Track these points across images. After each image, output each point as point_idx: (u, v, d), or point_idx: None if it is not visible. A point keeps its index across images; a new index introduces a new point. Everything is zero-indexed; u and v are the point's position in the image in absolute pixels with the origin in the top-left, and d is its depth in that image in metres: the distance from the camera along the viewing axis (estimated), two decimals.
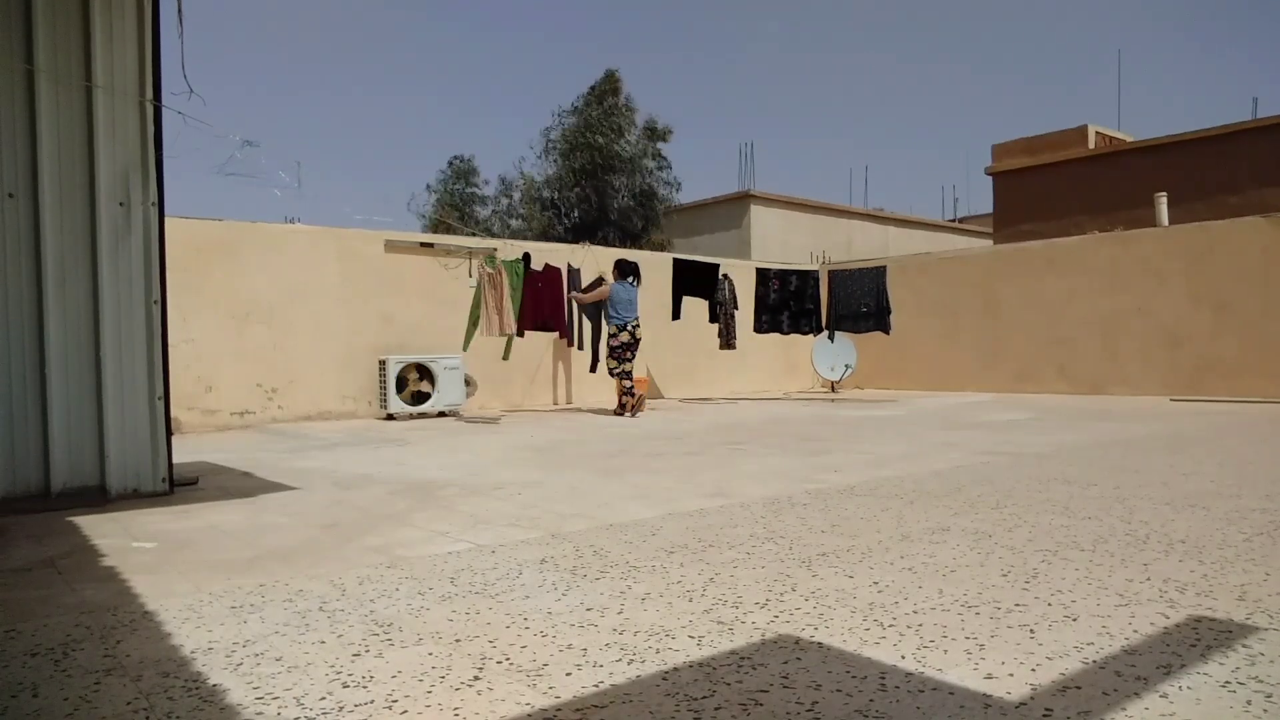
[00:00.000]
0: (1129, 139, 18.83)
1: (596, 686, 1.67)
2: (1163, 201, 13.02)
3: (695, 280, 10.70)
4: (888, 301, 10.65)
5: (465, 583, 2.45)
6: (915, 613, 2.09)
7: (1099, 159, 18.19)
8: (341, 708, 1.59)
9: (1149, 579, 2.35)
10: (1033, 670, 1.71)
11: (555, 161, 20.62)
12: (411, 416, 8.85)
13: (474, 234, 14.74)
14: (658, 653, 1.85)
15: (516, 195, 21.46)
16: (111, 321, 3.96)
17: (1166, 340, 10.32)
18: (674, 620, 2.08)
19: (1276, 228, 9.57)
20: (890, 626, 1.99)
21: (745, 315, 11.64)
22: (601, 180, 19.77)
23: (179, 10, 4.03)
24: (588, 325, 10.29)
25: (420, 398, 8.98)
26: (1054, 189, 18.48)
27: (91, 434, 3.94)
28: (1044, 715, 1.50)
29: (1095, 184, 17.89)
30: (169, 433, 4.13)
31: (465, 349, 8.85)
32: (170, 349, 4.29)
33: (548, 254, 10.35)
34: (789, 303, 11.02)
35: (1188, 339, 10.15)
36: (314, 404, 8.66)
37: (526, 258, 9.38)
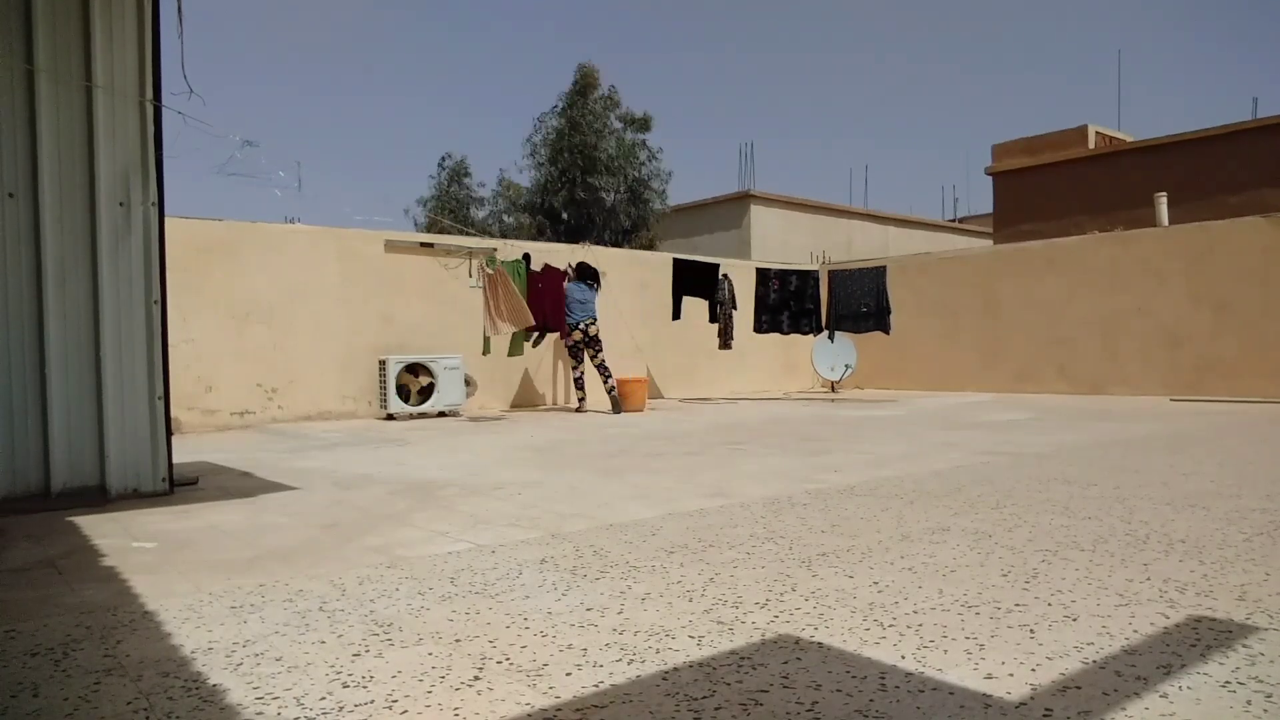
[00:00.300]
0: (1129, 139, 18.84)
1: (596, 686, 1.67)
2: (1163, 201, 13.02)
3: (695, 280, 10.71)
4: (888, 301, 10.65)
5: (465, 583, 2.45)
6: (915, 613, 2.09)
7: (1099, 159, 18.20)
8: (341, 708, 1.59)
9: (1149, 579, 2.35)
10: (1033, 670, 1.71)
11: (540, 167, 20.61)
12: (411, 416, 8.85)
13: (473, 234, 14.73)
14: (658, 653, 1.85)
15: (503, 204, 21.51)
16: (111, 321, 3.96)
17: (1166, 340, 10.32)
18: (674, 620, 2.08)
19: (1276, 228, 9.57)
20: (890, 626, 1.99)
21: (745, 315, 11.65)
22: (588, 181, 19.74)
23: (179, 10, 4.03)
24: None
25: (420, 398, 8.98)
26: (1054, 189, 18.48)
27: (91, 434, 3.94)
28: (1044, 715, 1.50)
29: (1095, 184, 17.89)
30: (169, 433, 4.13)
31: (486, 353, 8.91)
32: (170, 349, 4.29)
33: (547, 254, 10.35)
34: (789, 303, 11.02)
35: (1188, 339, 10.15)
36: (314, 404, 8.66)
37: (526, 258, 9.39)
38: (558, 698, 1.62)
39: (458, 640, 1.96)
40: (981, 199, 44.81)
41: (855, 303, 10.76)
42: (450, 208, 20.94)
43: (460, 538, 3.06)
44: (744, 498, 3.77)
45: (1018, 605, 2.14)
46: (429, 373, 9.01)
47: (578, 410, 9.46)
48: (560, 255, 10.49)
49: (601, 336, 9.37)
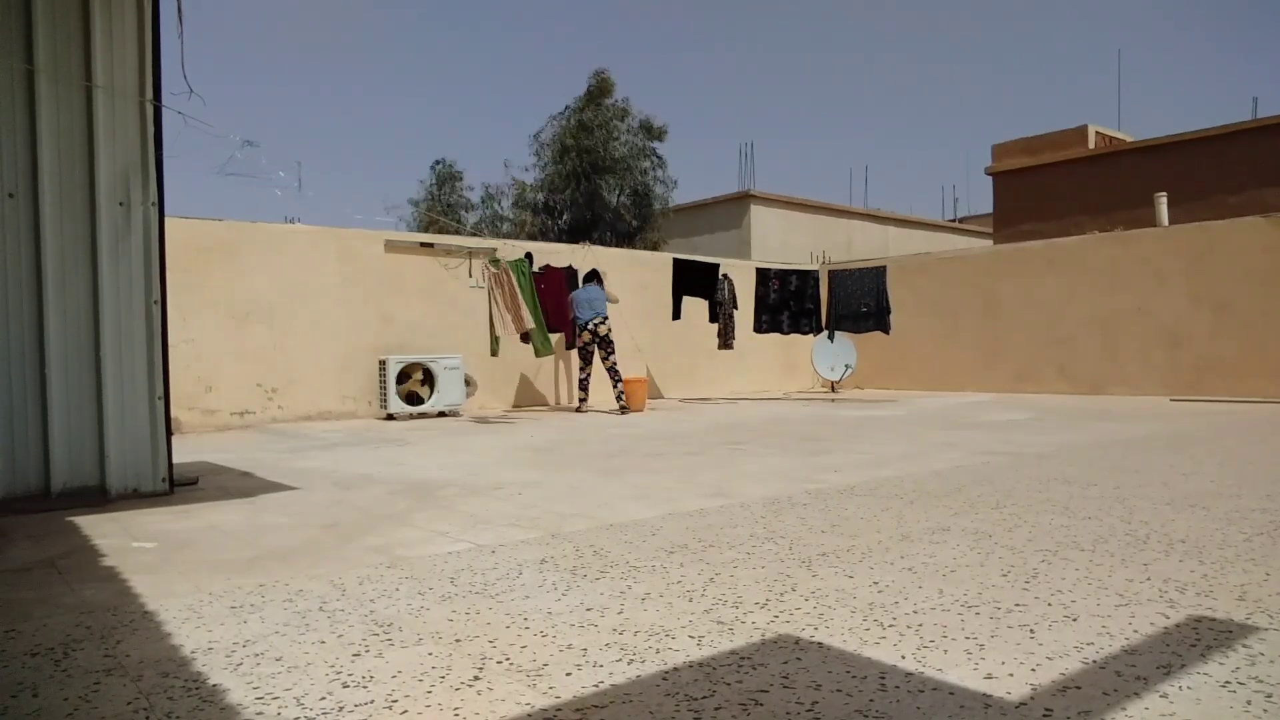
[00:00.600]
0: (1129, 139, 18.84)
1: (596, 686, 1.67)
2: (1163, 201, 13.02)
3: (695, 280, 10.71)
4: (888, 301, 10.65)
5: (465, 583, 2.45)
6: (915, 613, 2.09)
7: (1099, 159, 18.19)
8: (341, 708, 1.59)
9: (1149, 579, 2.35)
10: (1033, 670, 1.71)
11: (545, 165, 20.63)
12: (411, 416, 8.85)
13: (474, 234, 14.73)
14: (658, 653, 1.85)
15: (505, 201, 21.50)
16: (111, 321, 3.96)
17: (1166, 340, 10.32)
18: (674, 620, 2.08)
19: (1276, 228, 9.57)
20: (890, 626, 1.99)
21: (745, 315, 11.65)
22: (594, 182, 19.75)
23: (179, 10, 4.03)
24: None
25: (420, 398, 8.98)
26: (1054, 189, 18.47)
27: (91, 434, 3.94)
28: (1044, 715, 1.50)
29: (1095, 184, 17.89)
30: (169, 433, 4.13)
31: (495, 354, 8.90)
32: (170, 349, 4.29)
33: (548, 254, 10.36)
34: (789, 303, 11.02)
35: (1188, 339, 10.15)
36: (314, 404, 8.66)
37: (529, 258, 9.38)
38: (558, 698, 1.62)
39: (458, 640, 1.96)
40: (981, 199, 44.82)
41: (855, 303, 10.76)
42: (441, 211, 20.93)
43: (460, 538, 3.06)
44: (744, 498, 3.77)
45: (1018, 605, 2.14)
46: (429, 373, 9.01)
47: (577, 411, 9.44)
48: (561, 255, 10.49)
49: (613, 337, 9.23)
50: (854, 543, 2.86)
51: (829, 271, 11.50)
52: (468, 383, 9.42)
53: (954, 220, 29.82)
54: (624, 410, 9.06)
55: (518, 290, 8.50)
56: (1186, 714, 1.49)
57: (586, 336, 9.13)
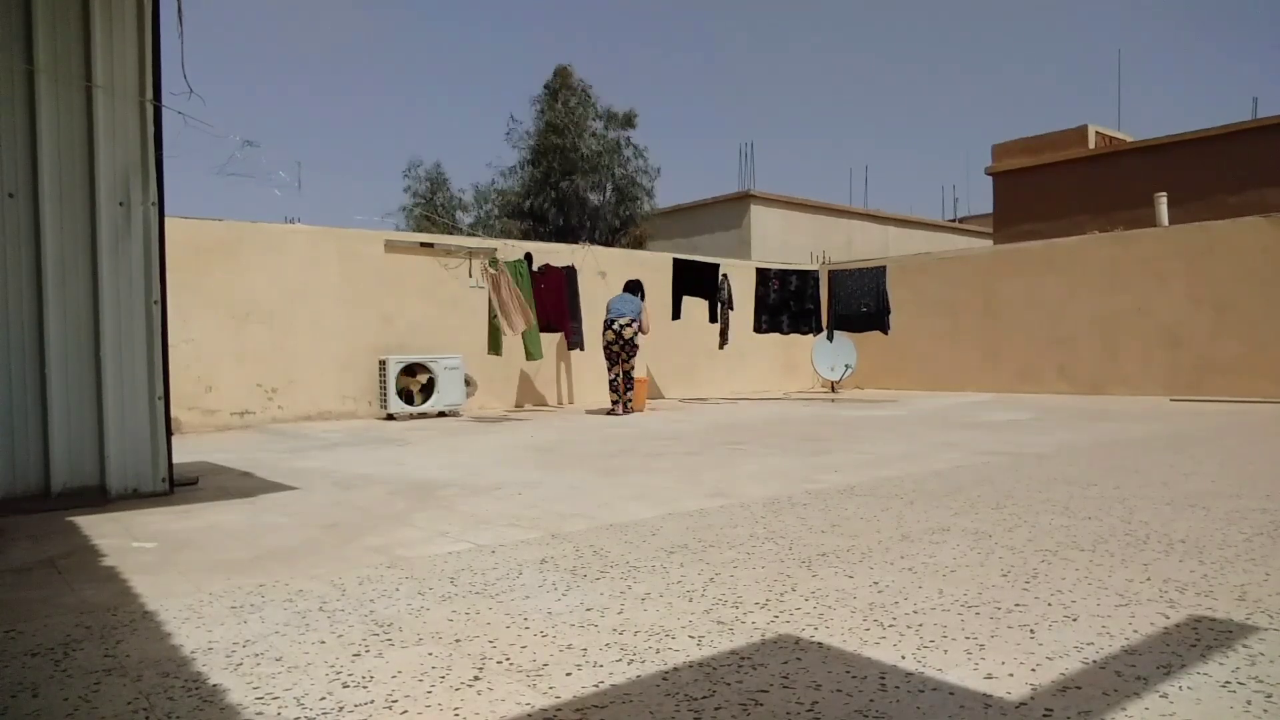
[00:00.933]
0: (1129, 139, 18.84)
1: (596, 686, 1.67)
2: (1163, 201, 13.03)
3: (695, 280, 10.71)
4: (888, 301, 10.64)
5: (465, 583, 2.45)
6: (915, 613, 2.09)
7: (1099, 159, 18.20)
8: (341, 708, 1.59)
9: (1149, 579, 2.35)
10: (1033, 670, 1.71)
11: (523, 169, 20.59)
12: (411, 416, 8.85)
13: (473, 234, 14.73)
14: (658, 653, 1.85)
15: (491, 207, 21.47)
16: (111, 321, 3.96)
17: (1166, 340, 10.32)
18: (674, 620, 2.08)
19: (1276, 228, 9.57)
20: (890, 626, 1.99)
21: (745, 315, 11.65)
22: (573, 182, 19.69)
23: (179, 10, 4.03)
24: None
25: (420, 398, 8.98)
26: (1054, 189, 18.48)
27: (91, 434, 3.94)
28: (1044, 715, 1.50)
29: (1095, 184, 17.89)
30: (169, 433, 4.13)
31: (499, 354, 8.89)
32: (170, 349, 4.29)
33: (548, 254, 10.35)
34: (789, 303, 11.02)
35: (1188, 339, 10.15)
36: (314, 404, 8.66)
37: (528, 258, 9.39)
38: (558, 698, 1.62)
39: (458, 640, 1.96)
40: (981, 199, 44.81)
41: (855, 303, 10.76)
42: (434, 213, 20.90)
43: (460, 538, 3.06)
44: (744, 498, 3.77)
45: (1018, 605, 2.14)
46: (429, 373, 9.01)
47: (609, 414, 9.05)
48: (561, 255, 10.49)
49: (638, 343, 9.02)
50: (854, 543, 2.86)
51: (829, 271, 11.50)
52: (468, 383, 9.41)
53: (954, 220, 29.82)
54: (612, 412, 9.04)
55: (518, 291, 8.51)
56: (1186, 714, 1.49)
57: (610, 335, 8.92)
